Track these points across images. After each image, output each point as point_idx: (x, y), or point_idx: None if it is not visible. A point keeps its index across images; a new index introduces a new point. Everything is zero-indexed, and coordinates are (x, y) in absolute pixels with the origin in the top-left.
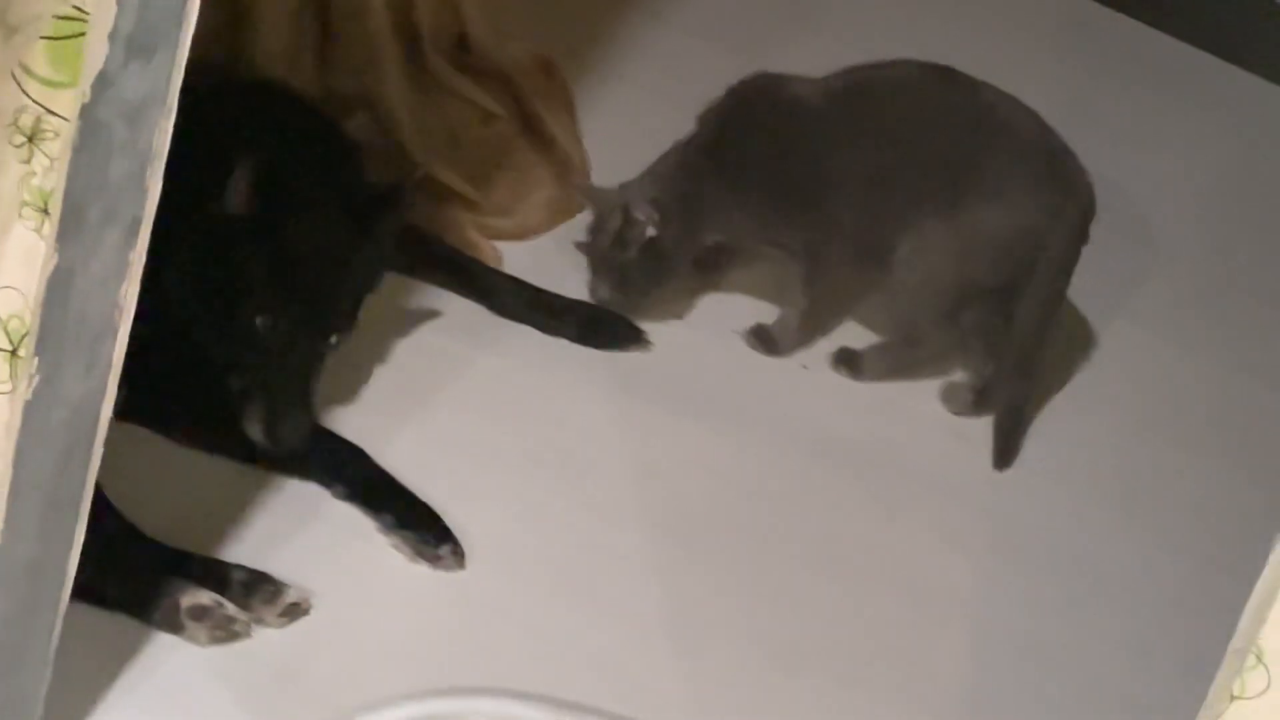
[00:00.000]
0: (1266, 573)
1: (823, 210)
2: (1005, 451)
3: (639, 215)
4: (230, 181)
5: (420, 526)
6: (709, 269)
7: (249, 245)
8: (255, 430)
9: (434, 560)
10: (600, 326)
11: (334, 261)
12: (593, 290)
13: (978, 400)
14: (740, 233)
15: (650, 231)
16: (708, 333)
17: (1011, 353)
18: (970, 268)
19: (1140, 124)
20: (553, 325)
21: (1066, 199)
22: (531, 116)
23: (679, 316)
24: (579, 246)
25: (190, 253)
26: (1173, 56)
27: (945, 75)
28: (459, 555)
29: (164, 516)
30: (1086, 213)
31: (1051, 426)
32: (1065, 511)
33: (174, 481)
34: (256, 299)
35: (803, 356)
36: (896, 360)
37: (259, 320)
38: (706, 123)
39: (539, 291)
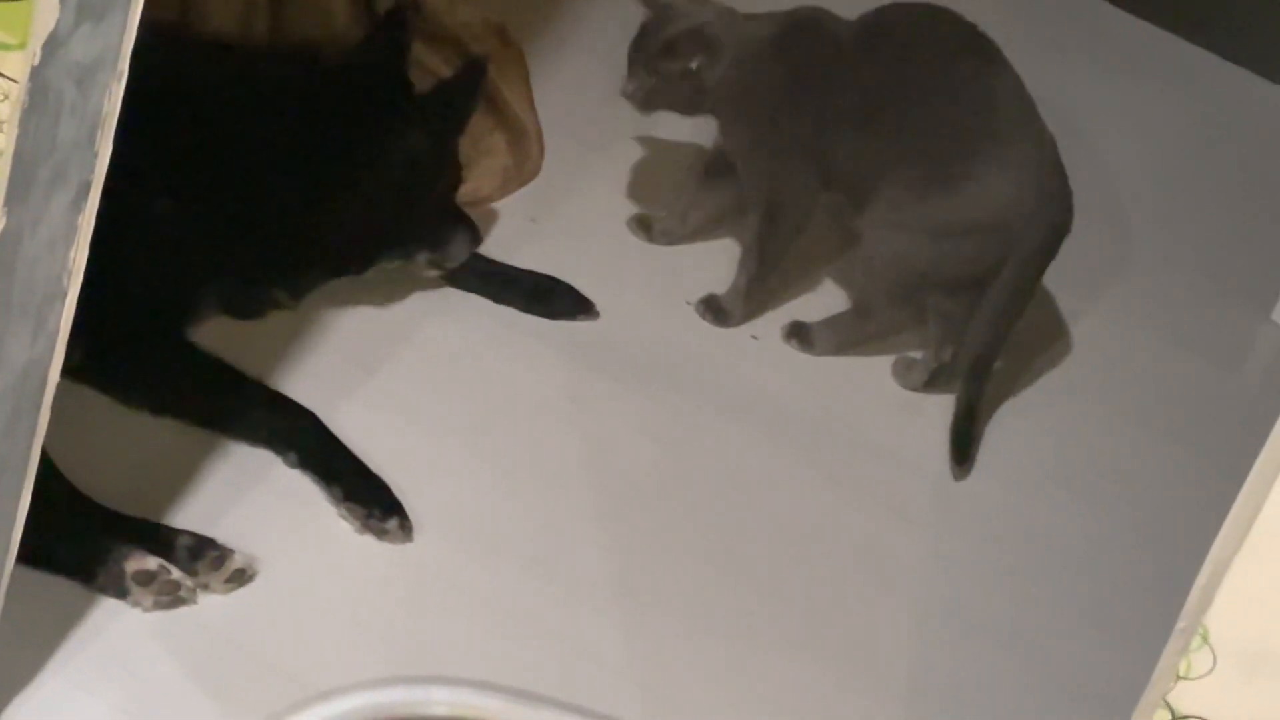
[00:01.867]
0: (1212, 553)
1: (817, 152)
2: (961, 454)
3: (693, 45)
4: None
5: (368, 499)
6: (713, 179)
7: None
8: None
9: (381, 533)
10: (549, 296)
11: None
12: (623, 87)
13: (930, 379)
14: (736, 144)
15: (694, 64)
16: (659, 303)
17: (968, 349)
18: (935, 253)
19: (1117, 110)
20: (503, 295)
21: (1046, 212)
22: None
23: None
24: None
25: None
26: (1157, 44)
27: (976, 43)
28: (406, 529)
29: (109, 481)
30: (1061, 230)
31: (1007, 407)
32: (1016, 488)
33: (120, 446)
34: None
35: (754, 328)
36: (847, 333)
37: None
38: (767, 23)
39: (489, 261)
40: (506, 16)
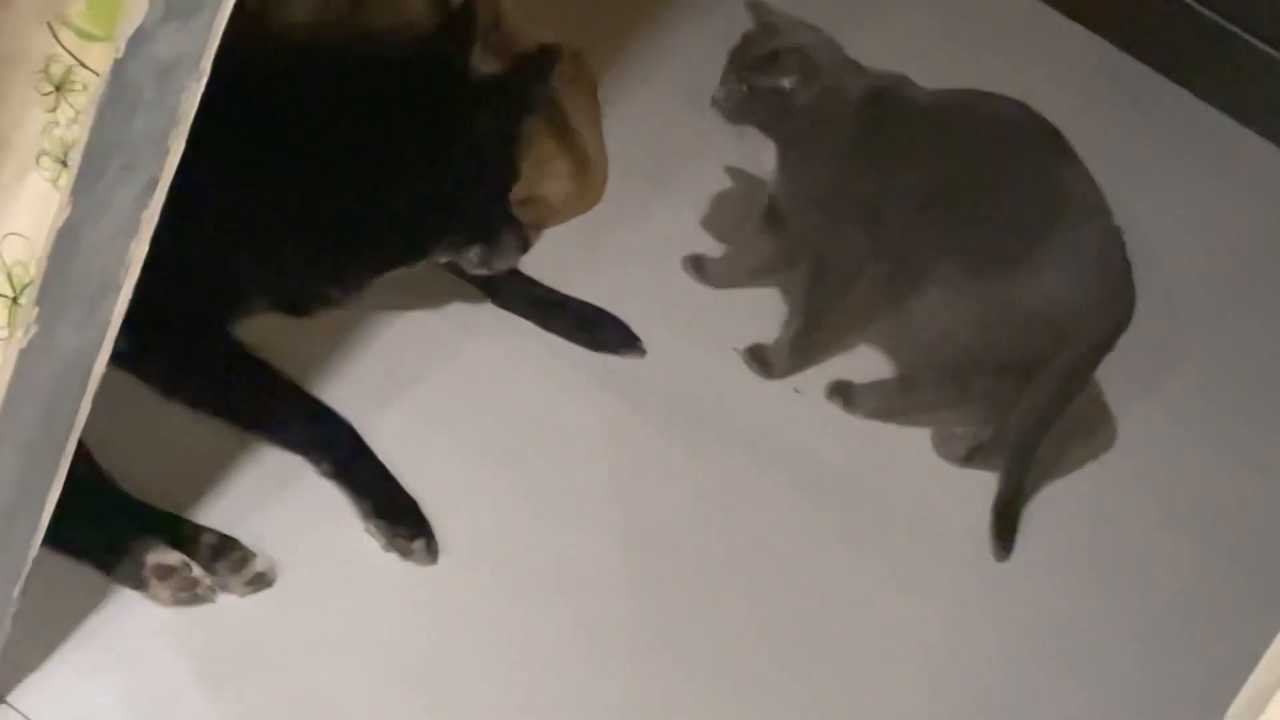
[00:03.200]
0: (1253, 679)
1: (872, 219)
2: (1005, 537)
3: (793, 64)
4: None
5: (397, 517)
6: (771, 226)
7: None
8: (515, 259)
9: (406, 553)
10: (596, 327)
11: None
12: (714, 94)
13: (970, 455)
14: (794, 188)
15: (788, 82)
16: (706, 347)
17: (1014, 432)
18: (986, 338)
19: (1183, 201)
20: (550, 320)
21: (1105, 309)
22: (553, 106)
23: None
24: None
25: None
26: (1234, 139)
27: (1048, 135)
28: (432, 551)
29: (140, 471)
30: (1120, 326)
31: (1045, 493)
32: (1046, 575)
33: (154, 437)
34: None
35: (799, 381)
36: (890, 401)
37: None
38: (858, 75)
39: (539, 285)
40: (584, 43)
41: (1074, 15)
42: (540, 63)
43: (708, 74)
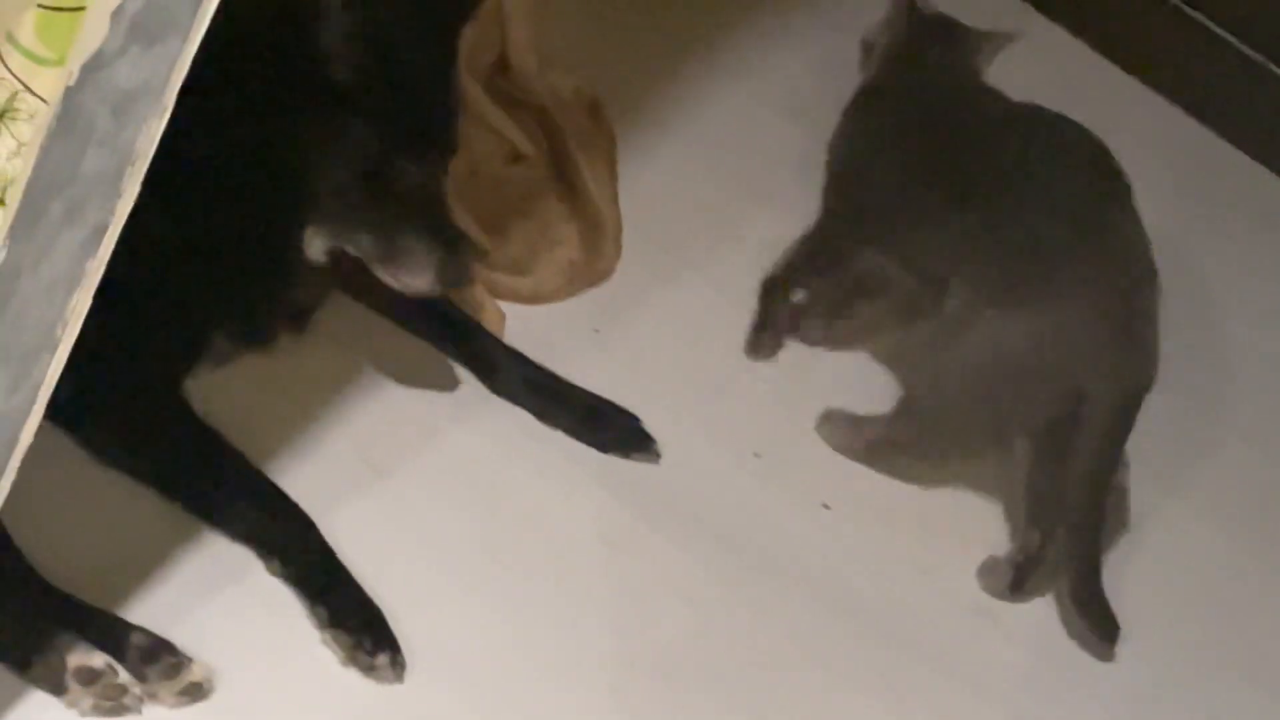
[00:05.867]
0: None
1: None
2: (1102, 625)
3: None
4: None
5: (358, 628)
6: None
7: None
8: (426, 277)
9: (368, 669)
10: (604, 424)
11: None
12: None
13: (1016, 578)
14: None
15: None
16: (724, 448)
17: (1065, 516)
18: (997, 370)
19: (1240, 268)
20: (550, 412)
21: (1123, 364)
22: (565, 162)
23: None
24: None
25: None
26: None
27: (1107, 172)
28: (399, 666)
29: (65, 556)
30: (1141, 388)
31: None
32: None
33: (82, 516)
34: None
35: (827, 495)
36: (882, 432)
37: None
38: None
39: (543, 372)
40: (603, 89)
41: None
42: None
43: (739, 136)
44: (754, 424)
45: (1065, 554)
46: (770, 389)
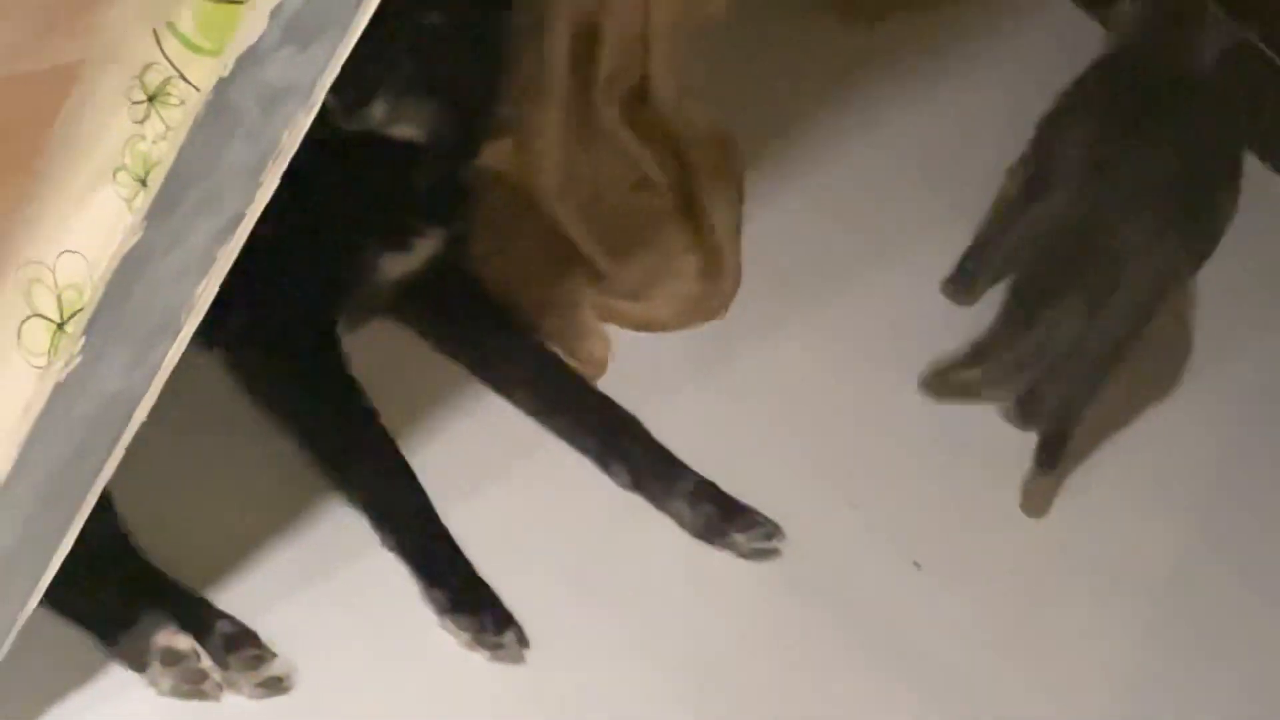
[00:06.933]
0: None
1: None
2: (1049, 450)
3: None
4: None
5: (479, 609)
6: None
7: None
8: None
9: (495, 648)
10: (734, 522)
11: None
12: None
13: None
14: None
15: None
16: (817, 508)
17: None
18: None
19: None
20: (671, 505)
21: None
22: (692, 194)
23: None
24: None
25: None
26: None
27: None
28: (524, 644)
29: (164, 533)
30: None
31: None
32: None
33: (186, 498)
34: None
35: (920, 554)
36: None
37: None
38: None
39: (661, 452)
40: (738, 127)
41: None
42: None
43: (870, 186)
44: (852, 474)
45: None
46: (872, 438)
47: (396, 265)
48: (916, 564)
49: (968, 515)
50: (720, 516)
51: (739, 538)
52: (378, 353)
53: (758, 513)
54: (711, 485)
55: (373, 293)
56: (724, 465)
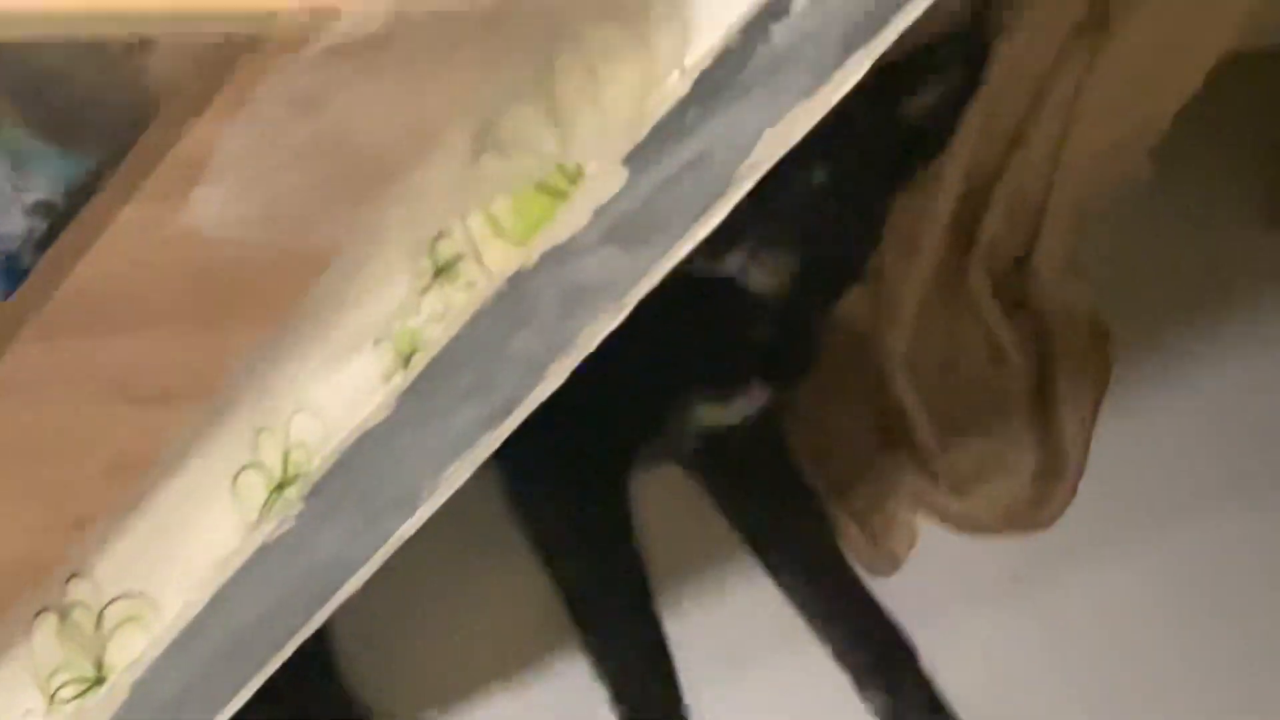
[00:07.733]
0: None
1: None
2: None
3: None
4: None
5: None
6: None
7: None
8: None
9: None
10: None
11: None
12: None
13: None
14: None
15: None
16: None
17: None
18: None
19: None
20: None
21: None
22: (1048, 384)
23: None
24: None
25: None
26: None
27: None
28: None
29: (379, 677)
30: None
31: None
32: None
33: (408, 644)
34: None
35: None
36: None
37: None
38: None
39: (929, 694)
40: (1115, 322)
41: None
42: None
43: (1249, 412)
44: None
45: None
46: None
47: (710, 417)
48: None
49: None
50: None
51: None
52: (657, 497)
53: None
54: None
55: (675, 441)
56: (1004, 712)
